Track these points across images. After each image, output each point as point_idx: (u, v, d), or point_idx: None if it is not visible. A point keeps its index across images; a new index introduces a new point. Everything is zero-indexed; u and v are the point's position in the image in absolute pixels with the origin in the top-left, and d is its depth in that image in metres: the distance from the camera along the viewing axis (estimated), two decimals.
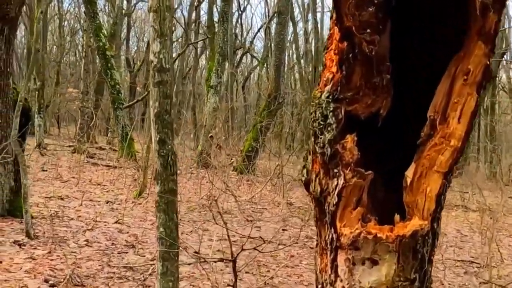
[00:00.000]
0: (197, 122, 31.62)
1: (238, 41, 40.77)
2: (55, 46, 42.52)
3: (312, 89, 29.90)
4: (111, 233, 7.66)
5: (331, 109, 2.87)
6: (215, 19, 21.87)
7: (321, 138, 2.91)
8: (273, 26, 43.25)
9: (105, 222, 8.31)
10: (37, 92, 21.20)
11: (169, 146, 4.38)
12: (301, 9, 40.02)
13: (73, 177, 13.14)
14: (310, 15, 35.03)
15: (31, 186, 10.74)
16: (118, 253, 6.79)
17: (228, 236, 4.91)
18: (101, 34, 18.98)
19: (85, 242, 7.01)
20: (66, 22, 44.80)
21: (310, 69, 33.83)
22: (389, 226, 2.78)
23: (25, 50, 30.45)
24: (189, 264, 6.61)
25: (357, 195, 2.85)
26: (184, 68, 39.60)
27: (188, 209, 10.27)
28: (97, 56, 20.94)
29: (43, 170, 14.02)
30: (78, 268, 5.98)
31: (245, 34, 47.03)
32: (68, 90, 33.58)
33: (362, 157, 2.84)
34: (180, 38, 42.04)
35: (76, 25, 45.27)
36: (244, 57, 46.52)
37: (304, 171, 3.15)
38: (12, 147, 7.01)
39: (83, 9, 25.63)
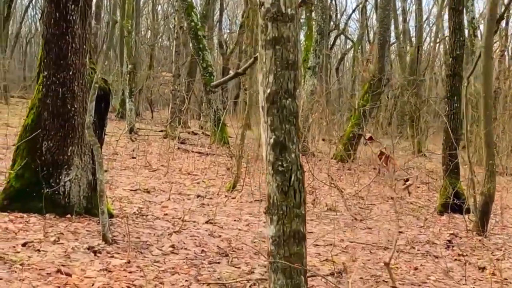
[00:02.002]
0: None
1: (332, 22, 39.21)
2: (148, 30, 42.51)
3: (414, 70, 28.06)
4: (201, 236, 6.56)
5: None
6: None
7: None
8: (368, 6, 41.62)
9: (194, 222, 7.22)
10: (128, 75, 20.61)
11: (293, 155, 3.10)
12: None
13: (163, 165, 12.26)
14: None
15: (117, 177, 9.89)
16: (208, 263, 5.67)
17: None
18: (192, 13, 18.04)
19: (171, 249, 5.93)
20: (159, 6, 44.78)
21: (408, 49, 31.99)
22: None
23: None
24: None
25: None
26: None
27: None
28: (189, 38, 20.04)
29: (132, 158, 13.23)
30: (161, 284, 4.90)
31: (339, 15, 45.29)
32: (161, 74, 33.13)
33: None
34: None
35: (169, 9, 45.12)
36: (338, 39, 44.95)
37: None
38: (86, 136, 6.02)
39: None
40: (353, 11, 47.46)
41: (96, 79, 5.78)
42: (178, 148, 15.49)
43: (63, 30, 6.25)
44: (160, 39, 43.59)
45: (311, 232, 7.39)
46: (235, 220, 7.55)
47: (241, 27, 37.02)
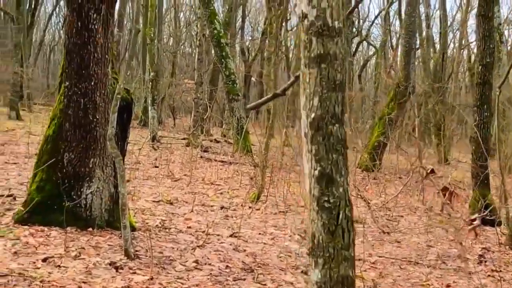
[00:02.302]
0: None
1: (354, 28, 38.91)
2: (171, 37, 42.60)
3: (438, 77, 27.66)
4: (225, 251, 6.36)
5: None
6: None
7: None
8: (391, 12, 41.18)
9: (218, 235, 7.03)
10: (150, 83, 20.54)
11: (341, 190, 2.79)
12: None
13: (185, 175, 12.11)
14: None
15: (139, 187, 9.76)
16: (233, 280, 5.47)
17: None
18: (215, 21, 17.92)
19: (194, 264, 5.74)
20: (181, 13, 44.88)
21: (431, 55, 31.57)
22: None
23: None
24: None
25: None
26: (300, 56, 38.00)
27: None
28: (211, 45, 19.94)
29: (155, 167, 13.10)
30: None
31: (361, 21, 44.95)
32: (183, 81, 33.10)
33: None
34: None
35: (191, 16, 45.20)
36: (360, 45, 44.59)
37: None
38: (108, 148, 5.87)
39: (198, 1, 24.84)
40: (376, 17, 47.20)
41: (119, 89, 5.63)
42: (201, 157, 15.36)
43: (85, 39, 6.11)
44: (182, 47, 43.65)
45: None
46: (260, 234, 7.35)
47: (263, 34, 36.91)
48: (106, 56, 6.28)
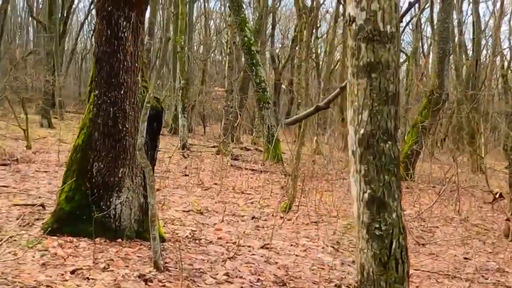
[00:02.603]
0: (345, 119, 29.91)
1: None
2: (201, 45, 42.72)
3: (471, 84, 27.20)
4: (256, 263, 6.20)
5: None
6: None
7: None
8: (423, 19, 40.69)
9: (249, 246, 6.87)
10: (181, 91, 20.53)
11: (395, 216, 2.51)
12: None
13: (216, 184, 11.99)
14: (468, 5, 32.09)
15: (169, 196, 9.66)
16: None
17: None
18: (246, 28, 17.84)
19: (225, 277, 5.60)
20: (211, 21, 45.00)
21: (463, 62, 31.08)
22: None
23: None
24: None
25: None
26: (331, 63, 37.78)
27: (345, 228, 8.64)
28: (241, 53, 19.87)
29: (185, 175, 13.02)
30: None
31: None
32: (214, 89, 33.12)
33: None
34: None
35: (222, 24, 45.33)
36: None
37: None
38: (137, 158, 5.76)
39: (228, 9, 24.75)
40: (407, 24, 46.58)
41: (148, 98, 5.52)
42: (231, 165, 15.23)
43: (115, 47, 6.03)
44: (212, 54, 43.75)
45: None
46: (291, 245, 7.16)
47: (293, 41, 36.77)
48: (136, 64, 6.19)
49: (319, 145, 24.58)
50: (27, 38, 50.77)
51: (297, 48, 36.63)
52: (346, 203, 10.95)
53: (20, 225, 6.40)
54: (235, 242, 6.87)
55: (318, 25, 37.75)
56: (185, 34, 22.60)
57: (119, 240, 6.18)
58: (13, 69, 23.68)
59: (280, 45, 47.27)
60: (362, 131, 2.63)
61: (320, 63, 45.69)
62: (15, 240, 5.81)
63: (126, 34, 6.03)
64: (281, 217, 8.94)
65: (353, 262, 6.68)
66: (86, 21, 48.21)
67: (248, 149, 23.18)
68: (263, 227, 8.15)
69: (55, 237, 6.02)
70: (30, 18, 44.90)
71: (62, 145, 13.79)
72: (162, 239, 6.34)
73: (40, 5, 43.30)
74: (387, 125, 2.58)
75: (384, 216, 2.55)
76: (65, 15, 34.77)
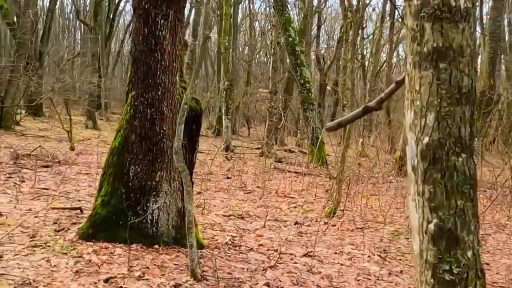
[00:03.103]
0: (392, 121, 29.35)
1: None
2: (246, 46, 42.62)
3: None
4: (298, 272, 5.89)
5: None
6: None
7: None
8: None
9: (291, 254, 6.56)
10: (225, 92, 20.35)
11: (470, 254, 1.95)
12: None
13: (258, 187, 11.73)
14: None
15: (210, 200, 9.43)
16: None
17: None
18: (290, 28, 17.52)
19: (265, 287, 5.31)
20: (256, 22, 44.83)
21: None
22: None
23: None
24: None
25: None
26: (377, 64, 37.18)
27: (392, 235, 8.25)
28: (286, 53, 19.57)
29: (227, 178, 12.79)
30: None
31: None
32: (258, 90, 32.91)
33: None
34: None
35: (267, 25, 45.11)
36: None
37: None
38: (175, 161, 5.52)
39: (272, 10, 24.43)
40: None
41: (186, 99, 5.27)
42: (275, 168, 14.94)
43: (152, 46, 5.80)
44: (257, 56, 43.59)
45: None
46: (336, 253, 6.82)
47: (339, 42, 36.29)
48: (174, 64, 5.95)
49: (364, 147, 24.12)
50: (75, 40, 51.46)
51: (342, 48, 36.19)
52: (392, 208, 10.56)
53: (55, 230, 6.24)
54: (277, 250, 6.58)
55: (364, 25, 37.20)
56: (229, 35, 22.43)
57: (156, 246, 5.95)
58: (60, 71, 23.88)
59: (325, 46, 46.77)
60: (426, 140, 2.03)
61: (366, 63, 45.08)
62: (49, 246, 5.63)
63: (163, 33, 5.80)
64: (325, 223, 8.61)
65: (401, 272, 6.32)
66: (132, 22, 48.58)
67: (292, 151, 22.88)
68: (306, 233, 7.83)
69: (90, 243, 5.83)
70: (77, 21, 45.46)
71: (105, 147, 13.74)
72: (201, 246, 6.10)
73: (87, 8, 43.86)
74: (460, 132, 1.99)
75: (456, 255, 1.94)
76: (111, 17, 35.07)
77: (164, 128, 5.98)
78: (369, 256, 6.72)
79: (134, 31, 5.95)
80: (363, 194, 11.08)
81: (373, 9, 34.21)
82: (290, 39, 17.31)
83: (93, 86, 24.13)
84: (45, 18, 29.93)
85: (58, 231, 6.23)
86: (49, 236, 6.01)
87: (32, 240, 5.80)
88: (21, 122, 21.54)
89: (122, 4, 46.37)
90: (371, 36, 45.35)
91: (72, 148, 14.96)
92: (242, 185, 11.80)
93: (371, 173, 15.38)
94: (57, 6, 40.45)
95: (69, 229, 6.32)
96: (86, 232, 6.00)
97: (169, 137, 6.01)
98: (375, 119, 29.56)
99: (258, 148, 21.70)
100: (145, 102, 5.91)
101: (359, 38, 34.28)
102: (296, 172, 14.77)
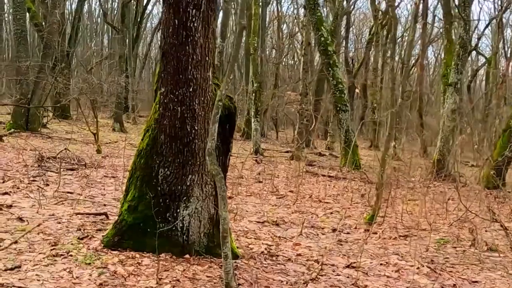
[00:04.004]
0: (423, 124, 28.69)
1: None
2: (273, 49, 42.22)
3: None
4: (342, 286, 5.35)
5: None
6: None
7: None
8: (504, 20, 38.69)
9: (333, 265, 6.03)
10: (254, 94, 19.88)
11: None
12: None
13: (291, 191, 11.22)
14: None
15: (242, 205, 8.95)
16: None
17: None
18: (322, 28, 16.97)
19: None
20: (284, 25, 44.38)
21: None
22: None
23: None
24: None
25: None
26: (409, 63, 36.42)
27: (438, 243, 7.67)
28: (315, 55, 19.06)
29: (258, 182, 12.31)
30: None
31: (470, 31, 42.68)
32: (286, 93, 32.44)
33: None
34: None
35: (294, 28, 44.78)
36: (469, 55, 42.30)
37: None
38: (207, 164, 5.03)
39: (301, 11, 23.94)
40: (487, 25, 44.57)
41: (220, 95, 4.79)
42: (307, 171, 14.40)
43: (183, 39, 5.31)
44: (285, 58, 43.16)
45: (476, 282, 6.00)
46: (381, 264, 6.26)
47: (368, 43, 35.70)
48: (207, 58, 5.46)
49: (396, 150, 23.50)
50: (102, 43, 51.48)
51: (372, 50, 35.57)
52: (433, 213, 9.97)
53: (79, 238, 5.79)
54: (317, 260, 6.06)
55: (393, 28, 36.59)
56: (258, 37, 21.97)
57: (187, 256, 5.47)
58: (87, 72, 23.66)
59: (353, 49, 46.12)
60: None
61: (395, 65, 44.45)
62: (71, 256, 5.18)
63: (195, 24, 5.31)
64: (365, 230, 8.07)
65: (455, 286, 5.75)
66: (160, 26, 48.48)
67: (322, 155, 22.34)
68: (347, 242, 7.29)
69: (115, 252, 5.37)
70: (105, 24, 45.42)
71: (133, 150, 13.36)
72: (235, 256, 5.61)
73: (115, 11, 43.81)
74: None
75: None
76: (138, 19, 34.91)
77: (196, 128, 5.49)
78: (418, 268, 6.15)
79: (164, 23, 5.47)
80: (402, 199, 10.50)
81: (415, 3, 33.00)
82: (322, 38, 16.76)
83: (120, 87, 23.82)
84: (72, 20, 29.79)
85: (82, 238, 5.78)
86: (72, 244, 5.57)
87: (54, 249, 5.37)
88: (48, 125, 21.30)
89: (149, 7, 46.31)
90: (399, 39, 44.83)
91: (98, 151, 14.60)
92: (274, 189, 11.30)
93: (407, 178, 14.79)
94: (85, 10, 40.48)
95: (93, 236, 5.87)
96: (111, 240, 5.55)
97: (201, 137, 5.52)
98: (405, 122, 28.85)
99: (287, 152, 21.19)
100: (175, 100, 5.42)
101: (388, 40, 33.68)
102: (329, 176, 14.23)
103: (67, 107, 26.38)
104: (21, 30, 19.00)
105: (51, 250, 5.33)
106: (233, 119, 5.94)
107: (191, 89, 5.40)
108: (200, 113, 5.50)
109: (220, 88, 5.01)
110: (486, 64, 39.14)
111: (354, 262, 6.08)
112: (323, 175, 14.05)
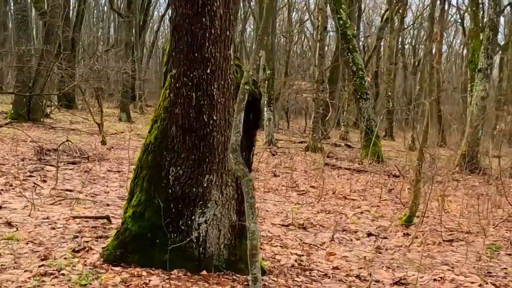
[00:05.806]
0: (442, 113, 27.65)
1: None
2: (282, 36, 41.45)
3: None
4: None
5: None
6: None
7: None
8: None
9: (377, 282, 5.03)
10: (266, 82, 18.87)
11: None
12: None
13: (312, 187, 10.26)
14: None
15: (261, 203, 8.00)
16: None
17: None
18: (341, 11, 15.93)
19: None
20: (294, 12, 43.44)
21: None
22: None
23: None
24: None
25: None
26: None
27: (490, 250, 6.66)
28: (329, 41, 18.05)
29: (275, 176, 11.35)
30: None
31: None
32: (297, 82, 31.44)
33: None
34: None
35: (304, 16, 43.85)
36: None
37: None
38: (230, 161, 4.07)
39: None
40: (504, 8, 43.27)
41: (247, 77, 3.81)
42: (326, 164, 13.42)
43: (198, 9, 4.33)
44: (294, 47, 42.28)
45: None
46: (434, 280, 5.26)
47: (380, 30, 34.74)
48: (227, 32, 4.47)
49: (415, 141, 22.50)
50: (109, 32, 50.58)
51: (384, 38, 34.54)
52: (472, 212, 8.98)
53: (74, 250, 4.82)
54: (358, 275, 5.08)
55: (405, 15, 35.60)
56: (269, 23, 20.93)
57: (204, 272, 4.49)
58: (92, 60, 22.72)
59: (364, 36, 45.06)
60: None
61: (406, 54, 43.54)
62: (63, 275, 4.22)
63: None
64: (404, 234, 7.08)
65: None
66: (167, 14, 47.44)
67: (337, 145, 21.39)
68: (386, 249, 6.31)
69: (117, 268, 4.40)
70: (111, 12, 44.42)
71: (140, 141, 12.44)
72: (262, 271, 4.63)
73: None
74: None
75: None
76: (145, 5, 33.99)
77: (214, 118, 4.50)
78: (480, 285, 5.15)
79: None
80: (434, 196, 9.49)
81: None
82: (342, 21, 15.73)
83: (127, 75, 22.84)
84: (77, 5, 28.86)
85: (78, 251, 4.80)
86: (65, 258, 4.59)
87: (43, 265, 4.41)
88: (51, 115, 20.41)
89: None
90: (411, 25, 43.80)
91: (103, 142, 13.67)
92: (293, 184, 10.34)
93: (434, 170, 13.77)
94: None
95: (91, 248, 4.88)
96: (112, 253, 4.58)
97: (220, 129, 4.54)
98: (425, 110, 27.82)
99: (301, 142, 20.24)
100: (190, 84, 4.44)
101: (400, 27, 32.78)
102: (348, 169, 13.26)
103: (72, 97, 25.47)
104: (21, 14, 18.04)
105: (40, 266, 4.37)
106: (258, 107, 4.94)
107: (208, 71, 4.42)
108: (219, 100, 4.51)
109: (247, 68, 4.02)
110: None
111: (403, 278, 5.10)
112: (347, 169, 13.10)
